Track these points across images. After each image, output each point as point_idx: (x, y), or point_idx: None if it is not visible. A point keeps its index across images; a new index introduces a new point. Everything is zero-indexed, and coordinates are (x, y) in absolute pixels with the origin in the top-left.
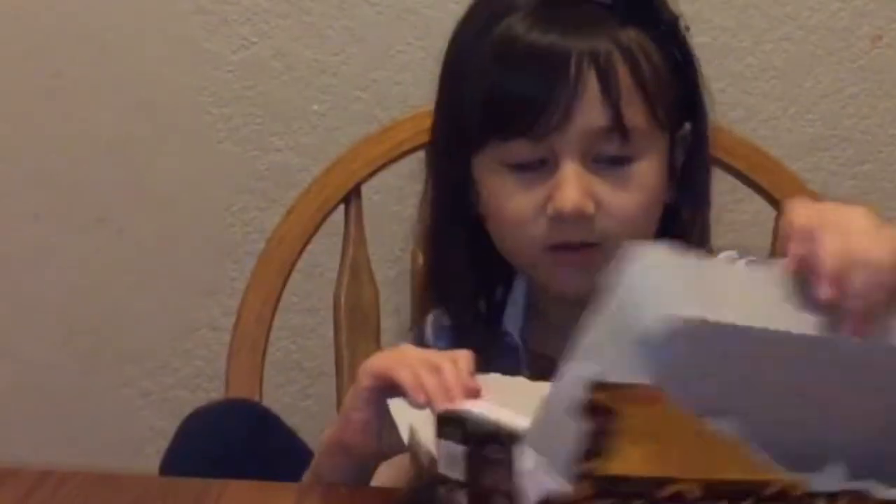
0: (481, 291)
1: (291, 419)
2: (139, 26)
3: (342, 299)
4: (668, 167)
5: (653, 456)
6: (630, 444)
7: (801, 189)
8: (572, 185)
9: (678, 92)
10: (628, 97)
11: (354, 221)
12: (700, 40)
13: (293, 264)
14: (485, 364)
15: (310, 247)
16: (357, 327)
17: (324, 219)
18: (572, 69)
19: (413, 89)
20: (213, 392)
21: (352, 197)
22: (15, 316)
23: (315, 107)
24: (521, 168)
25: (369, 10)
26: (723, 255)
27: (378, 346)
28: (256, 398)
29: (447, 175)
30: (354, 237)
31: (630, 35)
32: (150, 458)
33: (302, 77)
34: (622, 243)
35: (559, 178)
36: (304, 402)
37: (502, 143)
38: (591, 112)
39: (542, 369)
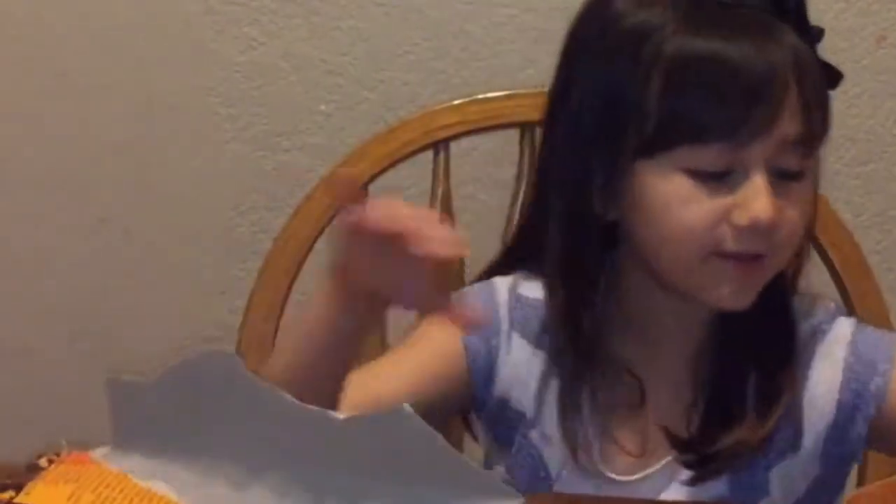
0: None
1: None
2: (146, 27)
3: None
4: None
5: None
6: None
7: None
8: (769, 197)
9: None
10: (814, 109)
11: None
12: None
13: (300, 264)
14: (560, 357)
15: (317, 246)
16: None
17: (331, 219)
18: (776, 78)
19: (420, 89)
20: None
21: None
22: (21, 316)
23: (322, 107)
24: (703, 175)
25: (376, 11)
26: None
27: (384, 345)
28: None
29: (589, 174)
30: None
31: (802, 42)
32: None
33: (309, 77)
34: (783, 261)
35: (753, 189)
36: None
37: (693, 148)
38: (790, 119)
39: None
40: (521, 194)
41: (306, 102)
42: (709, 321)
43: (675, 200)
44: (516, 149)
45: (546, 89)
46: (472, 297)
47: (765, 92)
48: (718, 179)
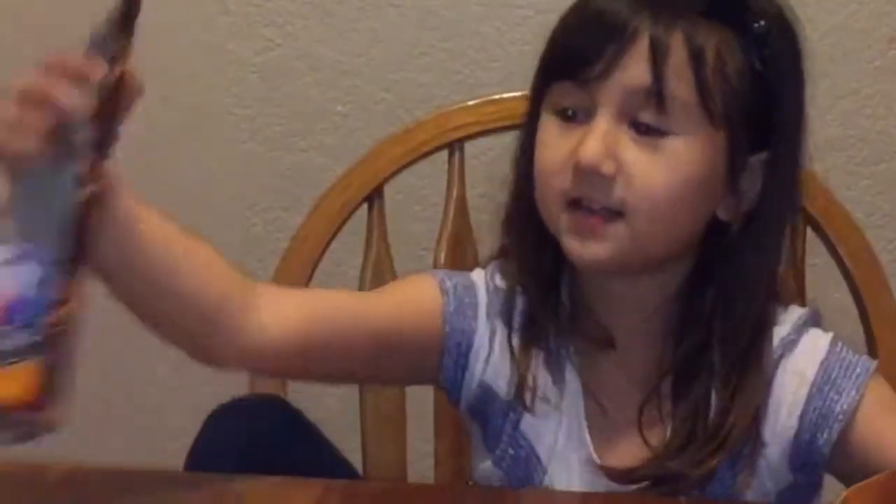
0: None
1: (314, 415)
2: (164, 28)
3: None
4: (721, 171)
5: None
6: None
7: (818, 188)
8: (596, 138)
9: (752, 106)
10: (679, 70)
11: (377, 220)
12: None
13: (316, 263)
14: (537, 337)
15: (333, 246)
16: None
17: (347, 218)
18: (629, 27)
19: (435, 90)
20: (238, 389)
21: (374, 196)
22: None
23: (338, 107)
24: (563, 114)
25: (392, 12)
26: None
27: None
28: (281, 394)
29: (524, 135)
30: (377, 236)
31: (709, 27)
32: (175, 455)
33: (325, 78)
34: (648, 225)
35: (587, 129)
36: (327, 399)
37: (557, 86)
38: (634, 69)
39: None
40: None
41: (322, 103)
42: (667, 300)
43: (541, 141)
44: None
45: None
46: (454, 283)
47: (610, 38)
48: (574, 120)
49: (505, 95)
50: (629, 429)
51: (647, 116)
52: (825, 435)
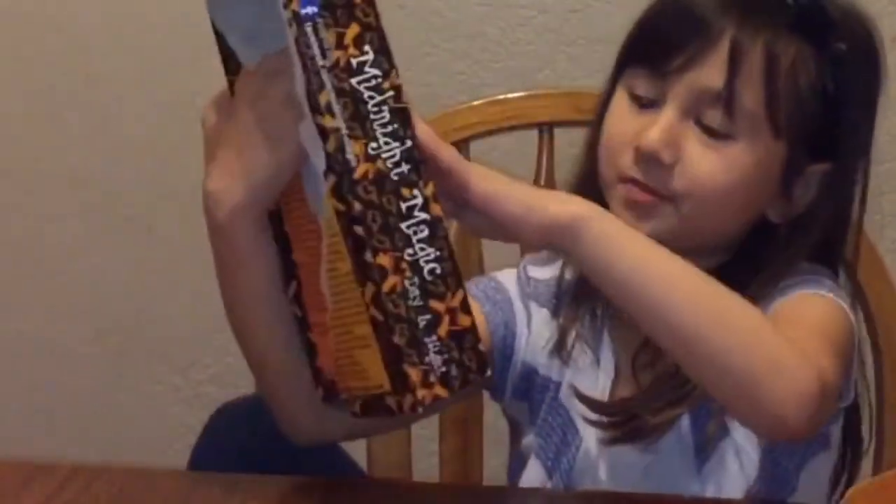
0: None
1: None
2: (171, 28)
3: None
4: (776, 179)
5: None
6: None
7: None
8: (661, 128)
9: (818, 122)
10: (752, 79)
11: None
12: None
13: None
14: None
15: None
16: None
17: None
18: (714, 27)
19: (440, 90)
20: (242, 388)
21: None
22: (47, 314)
23: None
24: (636, 99)
25: (397, 13)
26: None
27: None
28: None
29: (601, 102)
30: None
31: (790, 40)
32: (180, 454)
33: None
34: (696, 214)
35: (655, 117)
36: None
37: (633, 70)
38: (709, 71)
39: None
40: None
41: None
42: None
43: (611, 115)
44: (535, 149)
45: (563, 89)
46: (481, 287)
47: (692, 37)
48: (646, 106)
49: (509, 95)
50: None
51: (712, 119)
52: None
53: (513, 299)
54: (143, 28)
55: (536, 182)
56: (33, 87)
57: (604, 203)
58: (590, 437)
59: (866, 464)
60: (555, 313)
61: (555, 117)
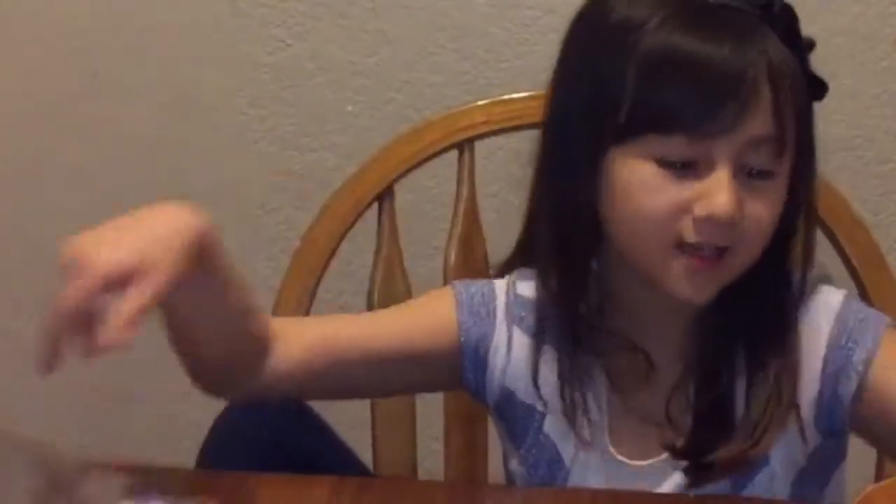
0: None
1: (325, 413)
2: (176, 28)
3: (375, 296)
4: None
5: None
6: None
7: (826, 188)
8: (730, 191)
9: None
10: (788, 111)
11: (388, 220)
12: None
13: (327, 262)
14: (560, 340)
15: (343, 244)
16: None
17: (357, 217)
18: (747, 78)
19: (445, 90)
20: None
21: (385, 195)
22: None
23: (349, 107)
24: (671, 165)
25: (402, 13)
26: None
27: None
28: None
29: (573, 162)
30: (388, 235)
31: (784, 49)
32: (188, 452)
33: (336, 78)
34: (748, 257)
35: (716, 182)
36: None
37: (660, 137)
38: (758, 120)
39: (613, 344)
40: None
41: (333, 103)
42: (698, 310)
43: (641, 188)
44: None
45: None
46: (471, 293)
47: (732, 91)
48: (684, 170)
49: (514, 96)
50: (647, 423)
51: (761, 162)
52: (845, 387)
53: (497, 315)
54: (147, 28)
55: None
56: (38, 87)
57: (584, 254)
58: (579, 470)
59: (868, 460)
60: (536, 346)
61: None
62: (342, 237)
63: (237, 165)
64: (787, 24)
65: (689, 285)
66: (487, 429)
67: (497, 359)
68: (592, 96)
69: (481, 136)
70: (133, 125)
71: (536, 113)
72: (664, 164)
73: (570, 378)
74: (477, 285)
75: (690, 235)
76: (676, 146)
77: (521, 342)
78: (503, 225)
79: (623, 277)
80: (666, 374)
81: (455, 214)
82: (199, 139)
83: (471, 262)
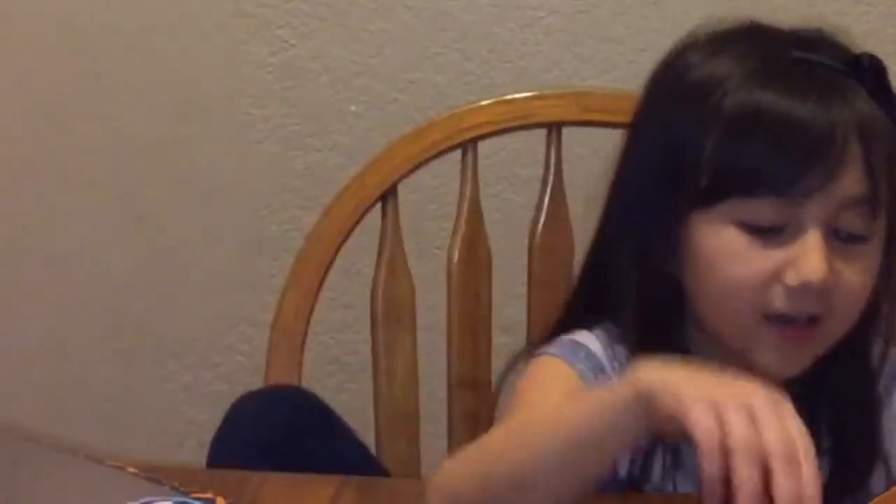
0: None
1: None
2: (180, 29)
3: (379, 295)
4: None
5: None
6: None
7: None
8: (822, 256)
9: None
10: (881, 172)
11: (391, 219)
12: None
13: (331, 261)
14: None
15: (347, 244)
16: (393, 323)
17: (361, 217)
18: (836, 138)
19: (449, 90)
20: (252, 386)
21: (389, 195)
22: (59, 312)
23: (352, 107)
24: (758, 230)
25: (406, 13)
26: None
27: (414, 342)
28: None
29: (650, 229)
30: (391, 235)
31: (873, 105)
32: (190, 451)
33: (340, 78)
34: (843, 326)
35: (806, 247)
36: (341, 395)
37: (745, 201)
38: (851, 180)
39: None
40: (548, 193)
41: (337, 103)
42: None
43: (727, 255)
44: (543, 148)
45: (572, 89)
46: (566, 352)
47: (822, 151)
48: (772, 235)
49: (517, 95)
50: None
51: (853, 225)
52: None
53: (606, 366)
54: (150, 28)
55: (544, 182)
56: (45, 88)
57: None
58: None
59: None
60: None
61: (563, 117)
62: (346, 237)
63: (241, 166)
64: (877, 79)
65: (779, 358)
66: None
67: None
68: (672, 157)
69: (484, 137)
70: (136, 126)
71: (539, 113)
72: (750, 229)
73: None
74: (581, 356)
75: (781, 305)
76: (764, 209)
77: None
78: (506, 225)
79: (707, 351)
80: None
81: (458, 214)
82: (203, 140)
83: (474, 262)
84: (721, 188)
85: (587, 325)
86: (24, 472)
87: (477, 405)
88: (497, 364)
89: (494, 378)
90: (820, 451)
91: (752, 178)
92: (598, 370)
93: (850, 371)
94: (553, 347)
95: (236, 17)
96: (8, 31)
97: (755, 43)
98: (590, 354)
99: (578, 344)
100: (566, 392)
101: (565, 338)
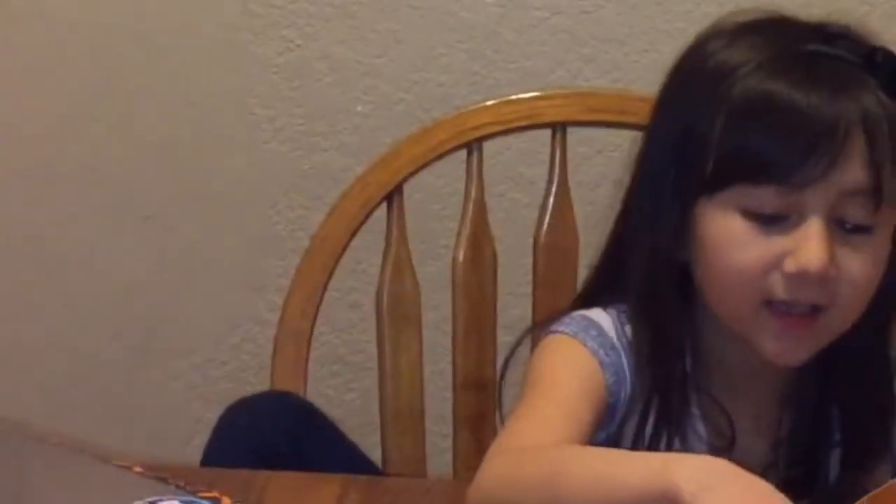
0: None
1: (334, 412)
2: (186, 29)
3: (384, 295)
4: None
5: None
6: None
7: None
8: (822, 244)
9: None
10: (885, 162)
11: (396, 219)
12: None
13: (337, 261)
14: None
15: (353, 244)
16: (399, 322)
17: (367, 216)
18: (839, 128)
19: (454, 90)
20: (258, 385)
21: (394, 195)
22: (67, 312)
23: (358, 107)
24: (760, 218)
25: (412, 13)
26: None
27: (420, 341)
28: (301, 391)
29: (663, 213)
30: (396, 234)
31: (884, 99)
32: (197, 450)
33: (346, 79)
34: (847, 318)
35: (806, 235)
36: (347, 395)
37: (749, 188)
38: (852, 170)
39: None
40: (553, 193)
41: (343, 103)
42: (794, 377)
43: (729, 241)
44: (548, 148)
45: (576, 89)
46: (579, 329)
47: (824, 140)
48: (775, 223)
49: (522, 96)
50: None
51: (856, 216)
52: None
53: (626, 374)
54: (157, 29)
55: (549, 182)
56: (52, 87)
57: (676, 306)
58: None
59: None
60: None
61: (567, 117)
62: (352, 236)
63: (247, 165)
64: (891, 73)
65: (780, 345)
66: (496, 427)
67: (624, 397)
68: (683, 144)
69: (490, 136)
70: (143, 126)
71: (544, 113)
72: (753, 216)
73: (651, 429)
74: (595, 336)
75: (781, 292)
76: (767, 197)
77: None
78: (511, 224)
79: (716, 337)
80: (760, 429)
81: (463, 214)
82: (210, 140)
83: (479, 262)
84: (726, 174)
85: (602, 303)
86: (31, 471)
87: (482, 404)
88: (502, 363)
89: (499, 377)
90: (830, 445)
91: (755, 164)
92: (609, 347)
93: (863, 365)
94: (566, 325)
95: (243, 18)
96: (17, 33)
97: (773, 34)
98: (601, 332)
99: (591, 321)
100: (582, 377)
101: (578, 314)
